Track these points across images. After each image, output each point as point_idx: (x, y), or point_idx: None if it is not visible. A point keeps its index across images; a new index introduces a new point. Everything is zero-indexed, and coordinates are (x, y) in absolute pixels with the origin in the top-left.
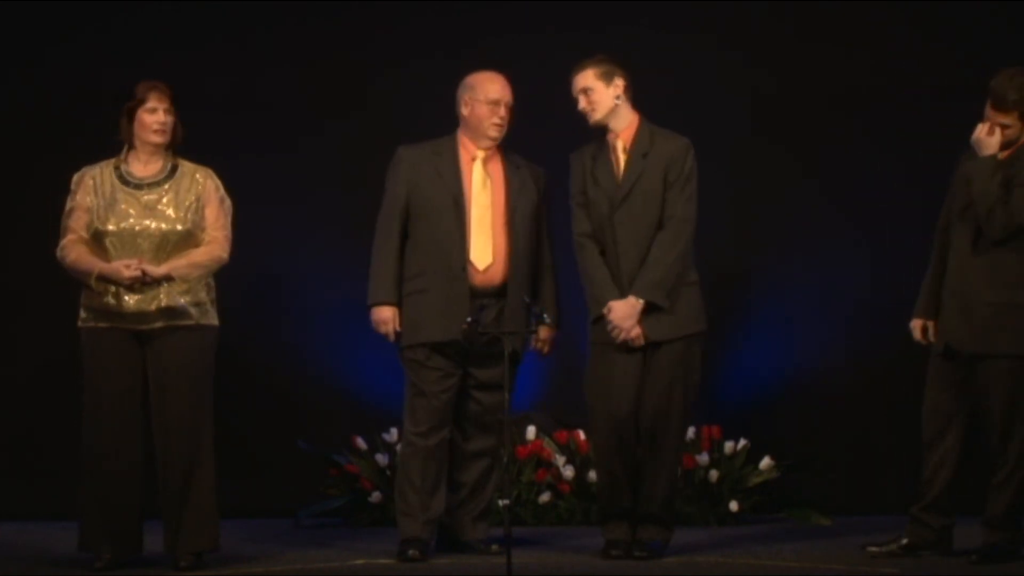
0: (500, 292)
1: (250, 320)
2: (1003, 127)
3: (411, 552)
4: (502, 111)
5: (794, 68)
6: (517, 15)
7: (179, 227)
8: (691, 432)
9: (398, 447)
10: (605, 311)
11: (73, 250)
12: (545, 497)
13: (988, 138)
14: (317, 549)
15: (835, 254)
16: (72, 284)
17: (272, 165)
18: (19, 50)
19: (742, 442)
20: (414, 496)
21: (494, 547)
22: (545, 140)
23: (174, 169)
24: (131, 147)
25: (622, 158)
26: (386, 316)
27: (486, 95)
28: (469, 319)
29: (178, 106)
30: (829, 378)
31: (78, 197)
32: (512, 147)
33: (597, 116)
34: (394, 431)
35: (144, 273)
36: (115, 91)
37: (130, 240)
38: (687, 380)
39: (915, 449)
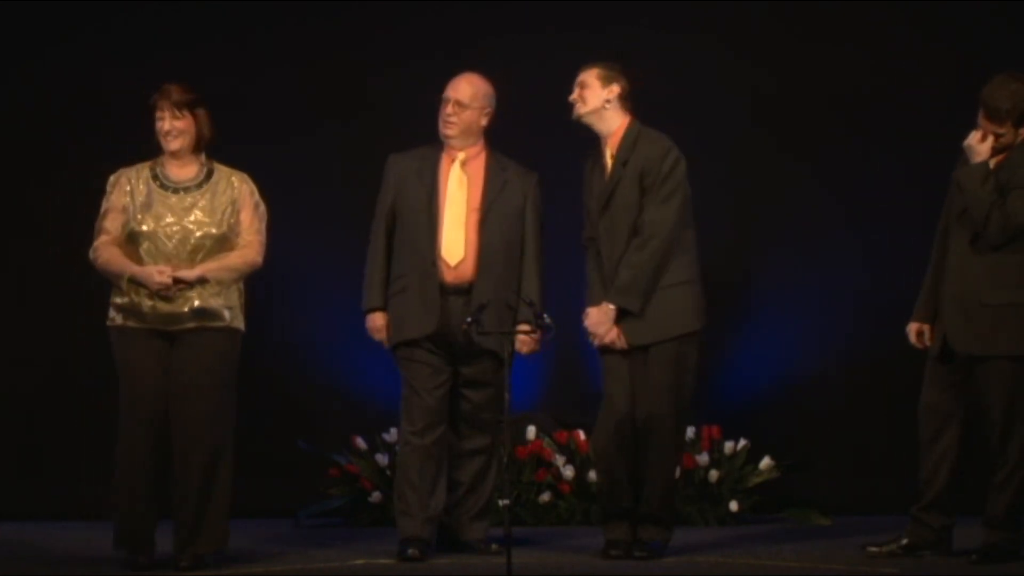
0: (471, 288)
1: (250, 320)
2: (997, 136)
3: (411, 551)
4: (448, 108)
5: (794, 68)
6: (517, 15)
7: (214, 231)
8: (691, 432)
9: (398, 447)
10: (584, 317)
11: (105, 251)
12: (545, 497)
13: (979, 145)
14: (317, 549)
15: (835, 254)
16: (84, 285)
17: (272, 165)
18: (19, 50)
19: (742, 442)
20: (413, 495)
21: (494, 547)
22: (544, 141)
23: (210, 173)
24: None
25: (609, 164)
26: (379, 323)
27: (443, 93)
28: (469, 319)
29: (198, 107)
30: (829, 378)
31: (113, 198)
32: (510, 148)
33: (581, 111)
34: (394, 431)
35: (176, 281)
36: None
37: (164, 242)
38: (680, 381)
39: (915, 449)
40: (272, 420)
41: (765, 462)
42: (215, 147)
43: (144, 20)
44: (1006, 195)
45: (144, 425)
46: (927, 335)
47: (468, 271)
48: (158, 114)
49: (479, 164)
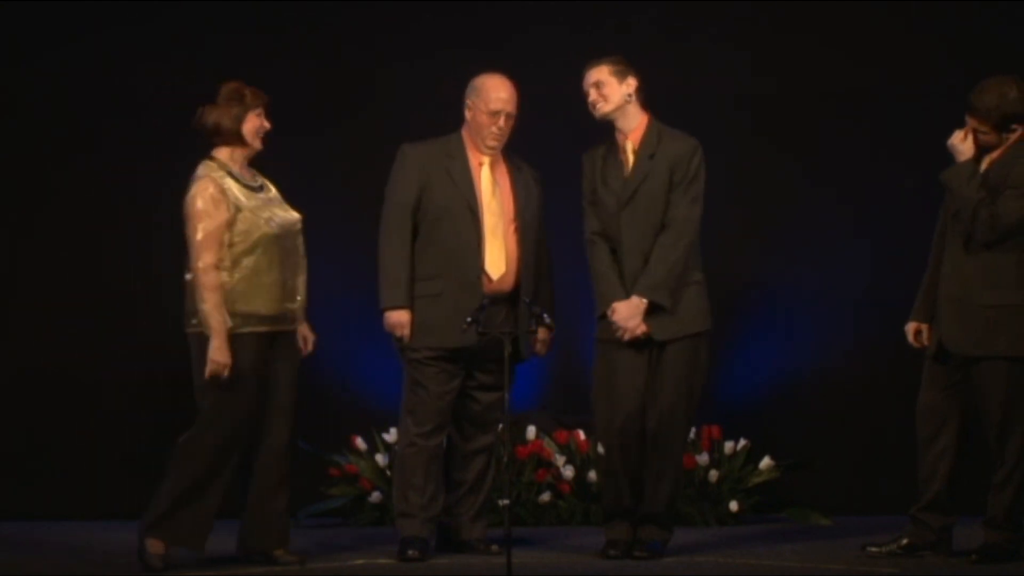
0: (509, 298)
1: None
2: (978, 133)
3: (411, 552)
4: (501, 122)
5: (794, 68)
6: (518, 15)
7: (299, 223)
8: (691, 432)
9: (398, 447)
10: (609, 312)
11: (214, 290)
12: (545, 497)
13: (962, 144)
14: (317, 549)
15: (835, 255)
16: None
17: (271, 165)
18: (20, 51)
19: (742, 442)
20: (415, 496)
21: (494, 547)
22: (545, 140)
23: (254, 173)
24: (230, 148)
25: (630, 158)
26: (403, 320)
27: (487, 105)
28: (469, 319)
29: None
30: (829, 378)
31: (222, 208)
32: (515, 147)
33: (606, 109)
34: (394, 431)
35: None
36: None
37: (280, 239)
38: (693, 380)
39: (915, 449)
40: None
41: (765, 462)
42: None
43: (144, 20)
44: (997, 195)
45: (246, 427)
46: (925, 335)
47: (509, 283)
48: (255, 112)
49: (502, 167)
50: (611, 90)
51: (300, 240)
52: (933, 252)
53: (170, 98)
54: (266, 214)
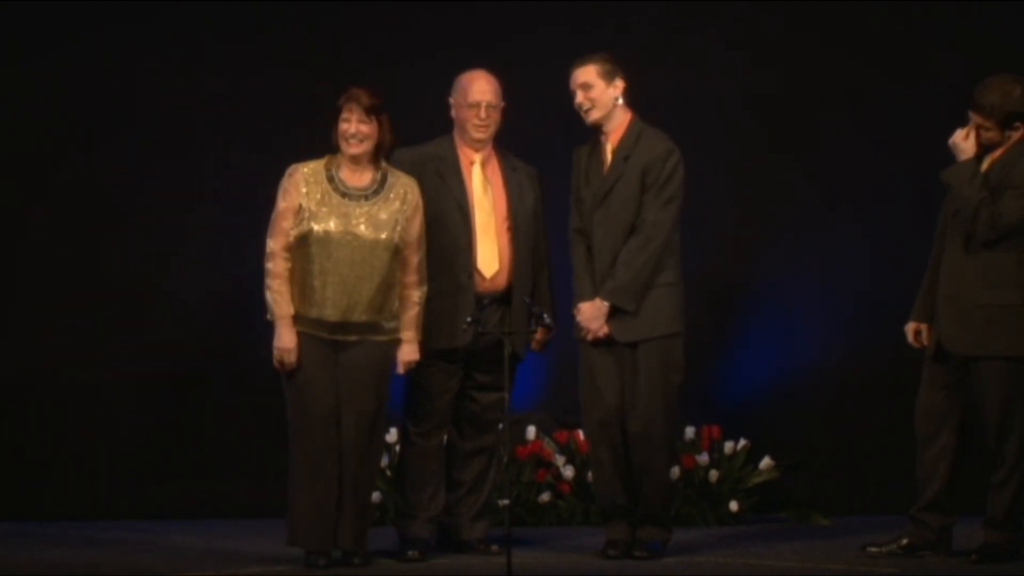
0: (504, 297)
1: (251, 320)
2: (981, 130)
3: (411, 552)
4: (482, 113)
5: (794, 68)
6: (518, 15)
7: (382, 236)
8: (691, 432)
9: (398, 447)
10: (575, 311)
11: (279, 275)
12: (545, 497)
13: (964, 143)
14: None
15: (835, 254)
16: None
17: (272, 165)
18: (20, 51)
19: (742, 442)
20: (415, 496)
21: (494, 547)
22: (543, 140)
23: (383, 181)
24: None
25: (608, 158)
26: None
27: (466, 98)
28: (469, 319)
29: (383, 112)
30: (829, 378)
31: (290, 198)
32: (511, 146)
33: (596, 115)
34: (394, 431)
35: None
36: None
37: (333, 246)
38: (666, 380)
39: (915, 449)
40: (272, 420)
41: (765, 462)
42: (215, 146)
43: (144, 20)
44: (999, 195)
45: (321, 424)
46: (925, 335)
47: (502, 281)
48: (344, 116)
49: (495, 166)
50: (599, 93)
51: (376, 257)
52: (933, 252)
53: (170, 98)
54: (326, 217)
